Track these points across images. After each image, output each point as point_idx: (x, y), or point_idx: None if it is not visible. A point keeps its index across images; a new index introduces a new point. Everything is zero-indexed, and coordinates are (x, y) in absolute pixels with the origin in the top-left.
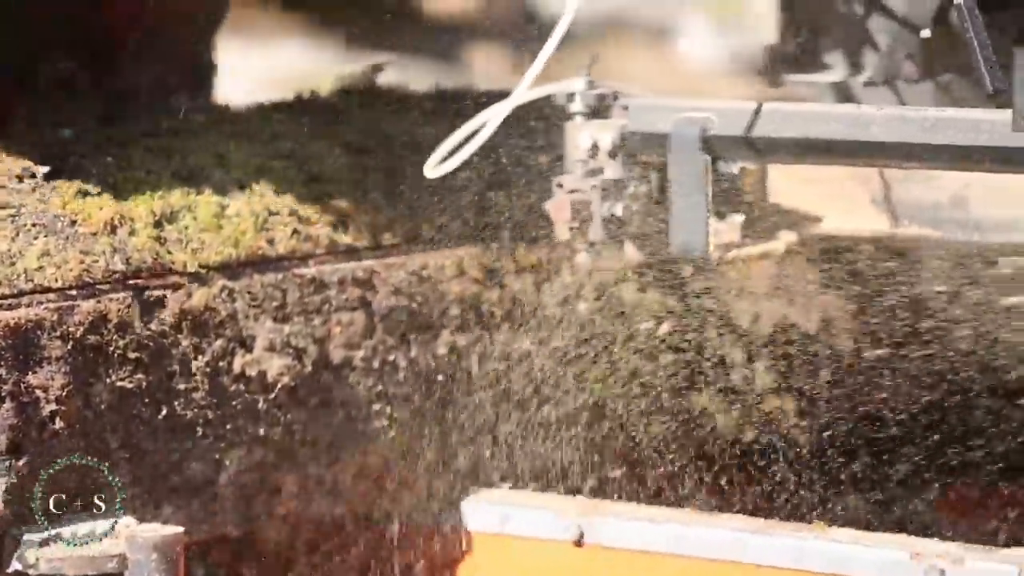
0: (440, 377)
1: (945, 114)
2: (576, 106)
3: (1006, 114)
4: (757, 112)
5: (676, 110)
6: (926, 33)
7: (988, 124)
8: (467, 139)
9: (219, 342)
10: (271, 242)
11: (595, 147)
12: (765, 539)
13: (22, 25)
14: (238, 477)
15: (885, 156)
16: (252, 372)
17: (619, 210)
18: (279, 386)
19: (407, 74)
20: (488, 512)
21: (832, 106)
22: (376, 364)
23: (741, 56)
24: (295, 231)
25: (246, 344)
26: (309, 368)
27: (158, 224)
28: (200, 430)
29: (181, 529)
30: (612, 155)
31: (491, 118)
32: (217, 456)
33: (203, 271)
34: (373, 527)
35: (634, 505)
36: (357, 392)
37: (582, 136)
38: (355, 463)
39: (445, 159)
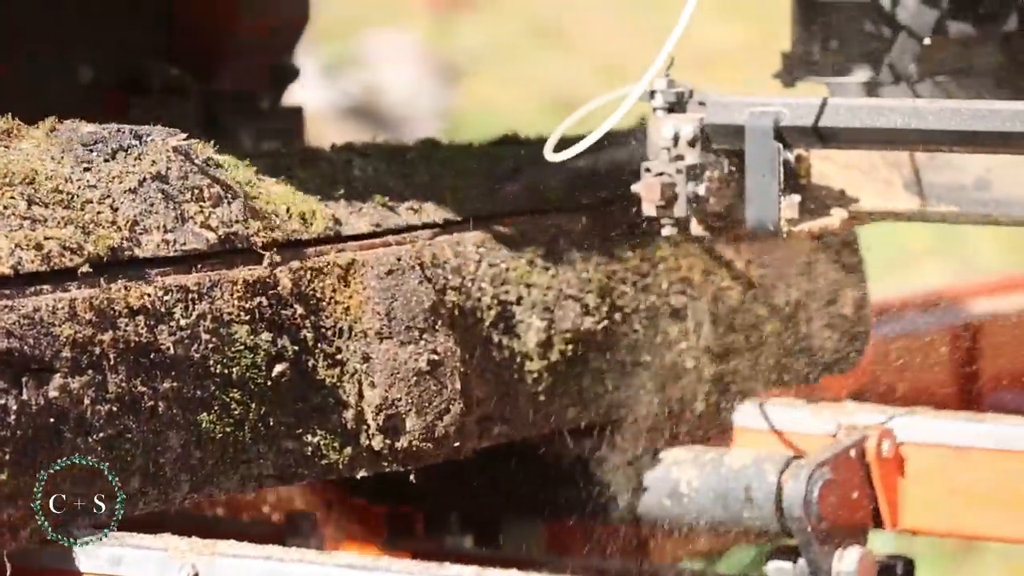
0: (52, 420)
1: (994, 106)
2: (657, 102)
3: None
4: (823, 106)
5: (750, 104)
6: (927, 41)
7: None
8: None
9: None
10: None
11: (677, 137)
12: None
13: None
14: None
15: (936, 142)
16: None
17: (701, 190)
18: None
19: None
20: (100, 553)
21: (890, 100)
22: None
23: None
24: None
25: None
26: None
27: None
28: None
29: None
30: (692, 144)
31: (623, 102)
32: None
33: None
34: None
35: (249, 545)
36: None
37: (665, 127)
38: None
39: (561, 145)
